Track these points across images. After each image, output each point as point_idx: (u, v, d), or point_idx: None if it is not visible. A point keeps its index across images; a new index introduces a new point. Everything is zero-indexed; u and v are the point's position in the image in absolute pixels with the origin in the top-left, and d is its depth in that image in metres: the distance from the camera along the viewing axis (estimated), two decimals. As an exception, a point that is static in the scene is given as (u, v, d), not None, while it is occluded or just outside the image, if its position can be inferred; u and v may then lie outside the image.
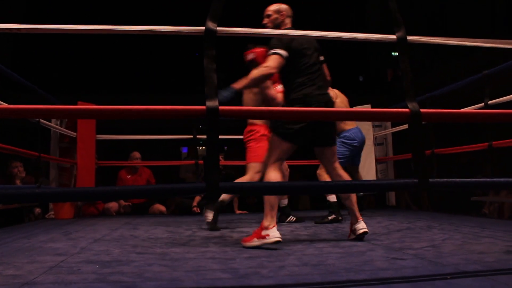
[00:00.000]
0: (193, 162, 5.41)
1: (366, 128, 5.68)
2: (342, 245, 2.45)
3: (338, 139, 4.09)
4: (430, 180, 1.73)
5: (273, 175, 2.48)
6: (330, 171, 2.71)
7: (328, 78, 2.84)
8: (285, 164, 3.65)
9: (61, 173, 5.02)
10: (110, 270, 1.83)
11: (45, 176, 5.05)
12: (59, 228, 3.63)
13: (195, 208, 5.22)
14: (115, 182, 5.76)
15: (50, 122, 4.65)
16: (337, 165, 2.70)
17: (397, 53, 1.94)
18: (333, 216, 3.81)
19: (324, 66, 2.79)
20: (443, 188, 1.78)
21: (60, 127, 4.86)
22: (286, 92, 2.65)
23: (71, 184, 4.96)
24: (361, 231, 2.65)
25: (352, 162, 4.35)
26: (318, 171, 3.94)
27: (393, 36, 1.91)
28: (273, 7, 2.76)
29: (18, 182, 4.89)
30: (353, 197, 2.72)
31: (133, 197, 4.67)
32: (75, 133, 4.99)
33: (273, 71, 2.49)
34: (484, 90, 3.71)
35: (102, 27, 1.82)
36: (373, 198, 6.30)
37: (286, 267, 1.85)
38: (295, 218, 4.02)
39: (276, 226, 2.46)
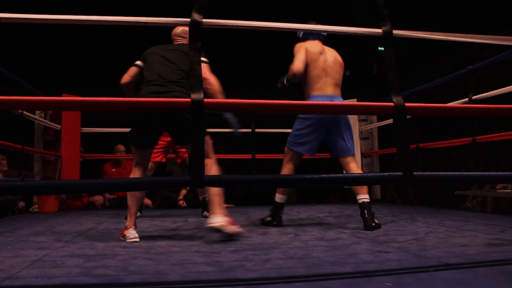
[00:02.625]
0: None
1: (352, 122, 5.70)
2: (328, 238, 2.46)
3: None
4: (415, 173, 1.74)
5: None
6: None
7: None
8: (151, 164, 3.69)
9: (45, 166, 4.96)
10: (94, 264, 1.82)
11: (28, 169, 4.99)
12: (43, 221, 3.59)
13: (181, 202, 5.20)
14: (100, 176, 5.72)
15: (34, 114, 4.59)
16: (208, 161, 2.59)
17: (383, 48, 1.94)
18: (270, 219, 3.21)
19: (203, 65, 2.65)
20: (427, 182, 1.80)
21: (44, 120, 4.79)
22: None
23: (56, 177, 4.90)
24: (211, 225, 2.43)
25: (330, 150, 3.17)
26: None
27: (379, 30, 1.91)
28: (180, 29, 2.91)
29: (0, 175, 4.82)
30: (212, 189, 2.52)
31: (118, 190, 4.63)
32: (59, 126, 4.92)
33: (125, 80, 2.74)
34: (469, 85, 3.75)
35: (88, 17, 1.79)
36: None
37: (271, 260, 1.86)
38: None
39: (134, 226, 2.56)
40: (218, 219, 2.42)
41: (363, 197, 2.90)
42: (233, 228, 2.45)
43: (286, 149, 3.16)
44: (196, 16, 1.69)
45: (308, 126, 3.03)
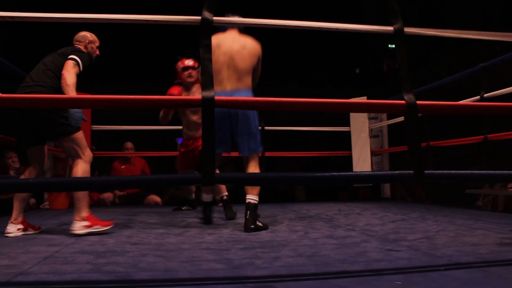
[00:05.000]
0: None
1: (362, 120, 5.69)
2: (337, 236, 2.45)
3: None
4: (426, 171, 1.73)
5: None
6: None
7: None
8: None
9: (56, 163, 5.00)
10: (104, 261, 1.83)
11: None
12: (53, 218, 3.62)
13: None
14: (110, 173, 5.74)
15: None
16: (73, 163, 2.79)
17: (393, 45, 1.93)
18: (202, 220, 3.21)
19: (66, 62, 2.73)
20: (438, 180, 1.78)
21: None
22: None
23: (66, 174, 4.94)
24: (75, 232, 2.59)
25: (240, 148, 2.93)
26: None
27: (390, 28, 1.90)
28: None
29: (12, 173, 4.86)
30: (76, 193, 2.67)
31: (128, 187, 4.65)
32: (70, 123, 4.95)
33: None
34: (481, 83, 3.71)
35: (98, 16, 1.80)
36: (368, 190, 6.33)
37: (281, 258, 1.86)
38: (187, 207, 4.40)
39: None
40: (81, 224, 2.61)
41: (251, 197, 2.80)
42: (101, 225, 2.65)
43: None
44: (207, 14, 1.69)
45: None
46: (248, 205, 2.79)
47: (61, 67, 2.69)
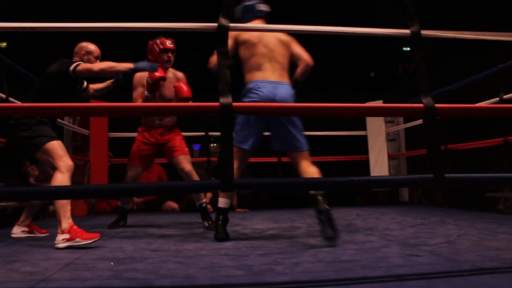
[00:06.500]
0: (205, 159, 5.45)
1: (378, 124, 5.65)
2: (357, 241, 2.43)
3: None
4: (446, 175, 1.71)
5: None
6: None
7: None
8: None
9: (74, 171, 5.05)
10: (124, 267, 1.84)
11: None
12: (73, 225, 3.65)
13: (208, 207, 5.22)
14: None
15: (63, 120, 4.68)
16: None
17: (408, 48, 1.91)
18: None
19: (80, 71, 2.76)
20: (459, 184, 1.75)
21: (73, 125, 4.89)
22: None
23: (84, 181, 5.00)
24: (58, 246, 2.41)
25: (272, 145, 2.79)
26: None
27: (407, 31, 1.89)
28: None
29: (32, 180, 4.93)
30: (57, 202, 2.53)
31: (146, 194, 4.68)
32: (87, 131, 5.02)
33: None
34: (499, 85, 3.66)
35: (116, 24, 1.82)
36: (386, 194, 6.28)
37: (301, 263, 1.85)
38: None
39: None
40: (62, 237, 2.44)
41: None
42: (81, 239, 2.44)
43: None
44: (223, 21, 1.70)
45: (246, 118, 2.68)
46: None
47: (42, 87, 2.76)
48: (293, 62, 2.84)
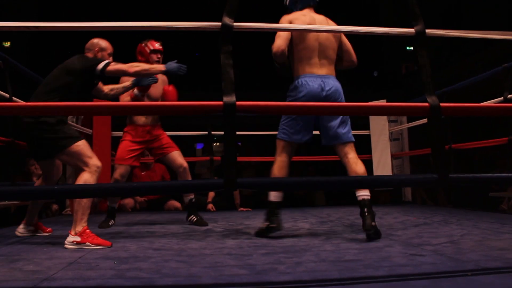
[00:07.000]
0: (208, 158, 5.45)
1: (382, 123, 5.64)
2: (359, 241, 2.43)
3: None
4: (450, 175, 1.70)
5: None
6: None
7: None
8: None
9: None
10: (127, 266, 1.84)
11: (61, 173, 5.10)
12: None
13: (210, 206, 5.23)
14: (131, 179, 5.79)
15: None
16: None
17: (412, 48, 1.91)
18: (267, 223, 2.71)
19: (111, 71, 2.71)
20: (463, 184, 1.74)
21: (76, 124, 4.89)
22: None
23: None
24: (67, 247, 2.41)
25: (322, 136, 2.77)
26: None
27: (411, 30, 1.88)
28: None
29: (35, 179, 4.95)
30: (78, 203, 2.51)
31: (149, 193, 4.66)
32: (90, 130, 5.02)
33: None
34: (504, 84, 3.65)
35: (120, 23, 1.82)
36: (388, 194, 6.26)
37: (304, 263, 1.84)
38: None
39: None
40: (73, 239, 2.43)
41: (364, 193, 2.58)
42: (91, 243, 2.41)
43: (277, 140, 2.79)
44: (227, 20, 1.70)
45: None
46: (363, 202, 2.57)
47: (58, 83, 2.65)
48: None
